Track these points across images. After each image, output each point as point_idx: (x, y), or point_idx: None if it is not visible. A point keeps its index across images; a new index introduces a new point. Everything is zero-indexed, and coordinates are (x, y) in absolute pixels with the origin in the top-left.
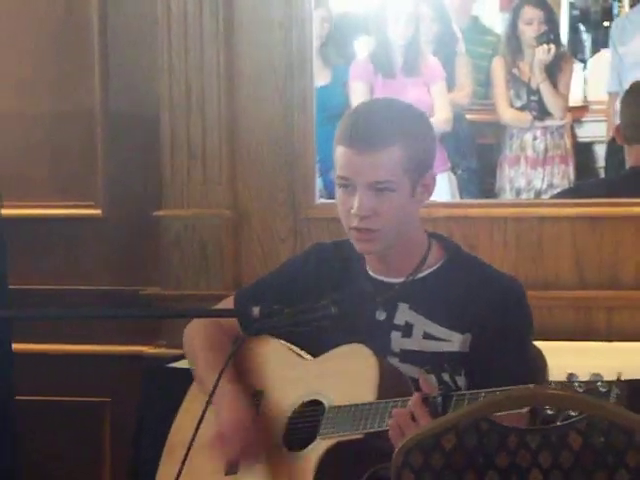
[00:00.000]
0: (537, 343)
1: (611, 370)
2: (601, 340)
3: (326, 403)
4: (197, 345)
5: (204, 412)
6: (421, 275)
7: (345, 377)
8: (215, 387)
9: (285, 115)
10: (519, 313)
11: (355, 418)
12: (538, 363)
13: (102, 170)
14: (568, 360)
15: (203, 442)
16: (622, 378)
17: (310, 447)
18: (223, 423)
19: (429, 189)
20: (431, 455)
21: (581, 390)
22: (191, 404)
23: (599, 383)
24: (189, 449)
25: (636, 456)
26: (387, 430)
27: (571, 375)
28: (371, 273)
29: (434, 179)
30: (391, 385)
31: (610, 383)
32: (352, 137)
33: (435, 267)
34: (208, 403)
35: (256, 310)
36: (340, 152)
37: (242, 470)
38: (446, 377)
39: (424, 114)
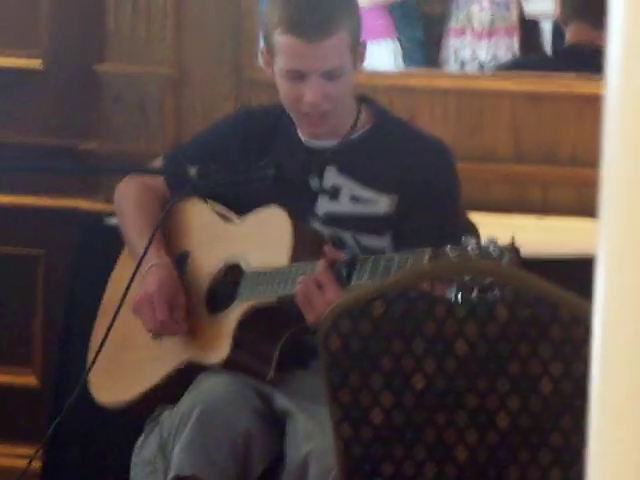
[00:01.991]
0: (471, 216)
1: (544, 246)
2: (536, 215)
3: (245, 267)
4: (127, 207)
5: (134, 275)
6: (350, 138)
7: (262, 241)
8: (145, 253)
9: None
10: (446, 175)
11: (269, 282)
12: (469, 234)
13: (45, 21)
14: (501, 234)
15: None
16: (515, 244)
17: (228, 310)
18: (149, 286)
19: (362, 55)
20: (359, 321)
21: (475, 253)
22: (122, 268)
23: (491, 247)
24: (118, 310)
25: (560, 330)
26: None
27: (466, 239)
28: (303, 139)
29: (365, 44)
30: (307, 247)
31: (503, 248)
32: (299, 26)
33: (364, 130)
34: (138, 267)
35: (193, 170)
36: (285, 41)
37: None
38: (365, 241)
39: None
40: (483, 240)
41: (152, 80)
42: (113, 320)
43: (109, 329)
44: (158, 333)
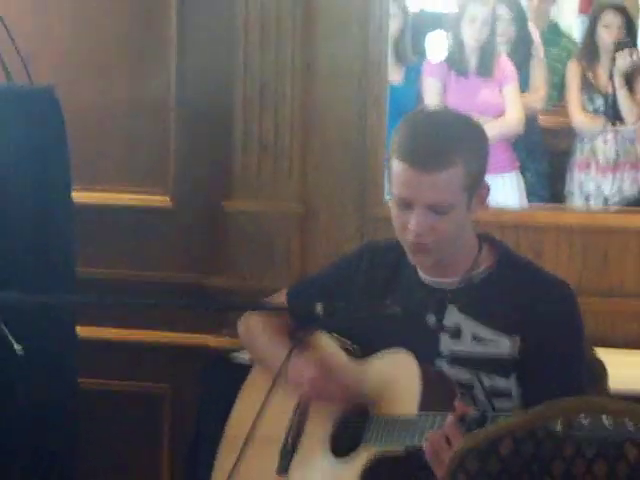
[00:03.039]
0: (599, 352)
1: None
2: None
3: (371, 412)
4: (258, 333)
5: (270, 391)
6: (472, 278)
7: (390, 385)
8: (286, 361)
9: (358, 112)
10: (571, 317)
11: (396, 431)
12: (596, 371)
13: (173, 160)
14: (630, 371)
15: (262, 435)
16: None
17: (354, 454)
18: (303, 370)
19: (483, 198)
20: (487, 460)
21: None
22: (250, 393)
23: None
24: (247, 440)
25: None
26: None
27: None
28: (422, 276)
29: (488, 188)
30: (435, 393)
31: None
32: (413, 155)
33: (486, 269)
34: (275, 381)
35: (319, 306)
36: (398, 168)
37: (292, 469)
38: (490, 382)
39: (481, 126)
40: None
41: (278, 217)
42: (240, 455)
43: (236, 464)
44: (343, 400)
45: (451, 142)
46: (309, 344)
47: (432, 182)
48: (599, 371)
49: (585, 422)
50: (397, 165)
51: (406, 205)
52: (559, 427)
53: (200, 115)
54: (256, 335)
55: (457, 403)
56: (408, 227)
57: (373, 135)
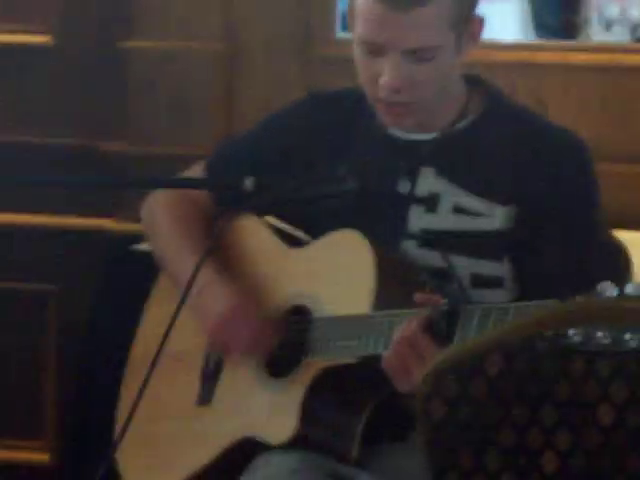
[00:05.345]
0: (619, 234)
1: None
2: None
3: (314, 312)
4: (164, 224)
5: (176, 313)
6: (453, 131)
7: (336, 277)
8: (193, 277)
9: None
10: (581, 178)
11: (346, 335)
12: (615, 256)
13: None
14: None
15: (176, 353)
16: None
17: (294, 372)
18: (214, 305)
19: (476, 35)
20: (470, 382)
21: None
22: (160, 300)
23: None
24: (153, 364)
25: None
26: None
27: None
28: (388, 129)
29: (482, 21)
30: (395, 287)
31: None
32: None
33: (470, 119)
34: (183, 300)
35: (248, 181)
36: (365, 2)
37: (216, 399)
38: (475, 268)
39: None
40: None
41: (195, 59)
42: (148, 377)
43: (142, 389)
44: (251, 352)
45: None
46: (231, 242)
47: (410, 21)
48: (619, 258)
49: (602, 335)
50: None
51: (377, 50)
52: (568, 338)
53: None
54: (161, 227)
55: (419, 296)
56: (380, 81)
57: None
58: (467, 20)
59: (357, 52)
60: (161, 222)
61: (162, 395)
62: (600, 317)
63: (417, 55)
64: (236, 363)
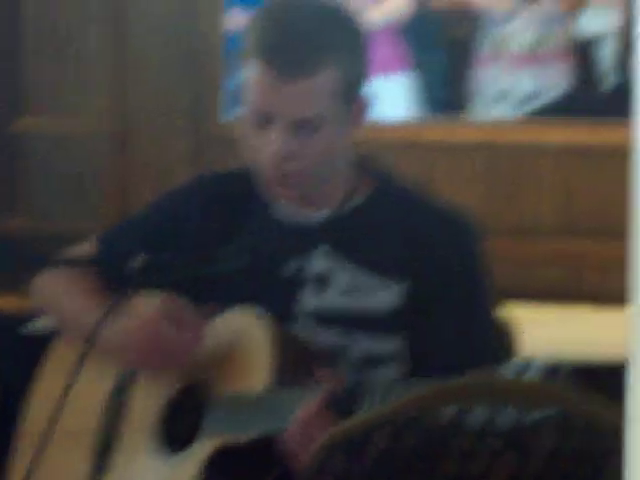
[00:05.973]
0: (509, 308)
1: (598, 345)
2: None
3: (210, 389)
4: (60, 290)
5: (80, 363)
6: (343, 209)
7: (232, 357)
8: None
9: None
10: (469, 256)
11: (242, 414)
12: (500, 333)
13: None
14: (549, 330)
15: (69, 428)
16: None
17: (188, 450)
18: (129, 323)
19: (363, 113)
20: (358, 457)
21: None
22: (50, 375)
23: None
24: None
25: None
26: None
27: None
28: (280, 210)
29: (370, 98)
30: (293, 363)
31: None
32: (272, 53)
33: (362, 198)
34: (85, 353)
35: (139, 260)
36: (254, 74)
37: (112, 473)
38: (367, 345)
39: (356, 15)
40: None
41: (89, 138)
42: (36, 456)
43: (30, 469)
44: (183, 355)
45: (321, 35)
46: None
47: (298, 91)
48: (504, 335)
49: (484, 412)
50: (253, 67)
51: (265, 121)
52: (453, 415)
53: None
54: (54, 294)
55: (320, 373)
56: (266, 151)
57: (206, 28)
58: (355, 95)
59: (246, 126)
60: (56, 288)
61: (51, 475)
62: (480, 395)
63: (302, 125)
64: (129, 439)
